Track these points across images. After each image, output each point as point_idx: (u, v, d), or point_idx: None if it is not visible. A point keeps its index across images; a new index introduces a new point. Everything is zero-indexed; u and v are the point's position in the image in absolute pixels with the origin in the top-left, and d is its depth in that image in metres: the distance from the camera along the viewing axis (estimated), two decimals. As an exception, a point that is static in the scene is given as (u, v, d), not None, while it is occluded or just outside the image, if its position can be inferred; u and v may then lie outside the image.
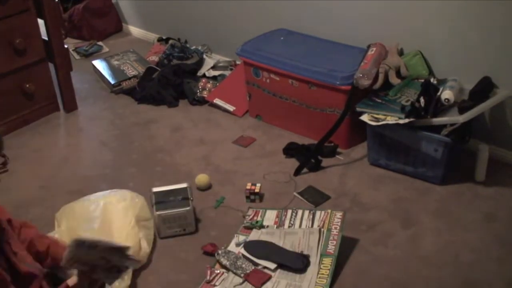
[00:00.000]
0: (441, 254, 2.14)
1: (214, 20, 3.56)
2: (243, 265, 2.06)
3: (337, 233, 2.11)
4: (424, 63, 2.67)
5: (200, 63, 3.44)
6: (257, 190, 2.43)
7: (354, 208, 2.40)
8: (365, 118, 2.51)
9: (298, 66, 2.73)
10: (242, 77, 3.04)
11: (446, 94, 2.43)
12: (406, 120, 2.39)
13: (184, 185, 2.31)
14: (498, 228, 2.26)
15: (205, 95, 3.23)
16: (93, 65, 3.66)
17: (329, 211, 2.22)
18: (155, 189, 2.31)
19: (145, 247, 2.12)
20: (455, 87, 2.48)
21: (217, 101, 3.16)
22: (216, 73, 3.41)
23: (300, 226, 2.22)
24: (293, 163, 2.67)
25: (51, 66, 3.14)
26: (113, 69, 3.56)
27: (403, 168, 2.56)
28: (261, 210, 2.36)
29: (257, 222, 2.28)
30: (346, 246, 2.16)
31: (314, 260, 2.04)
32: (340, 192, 2.50)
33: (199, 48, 3.57)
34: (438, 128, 2.40)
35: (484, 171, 2.49)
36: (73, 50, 3.95)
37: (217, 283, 2.03)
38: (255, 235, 2.22)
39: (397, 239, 2.22)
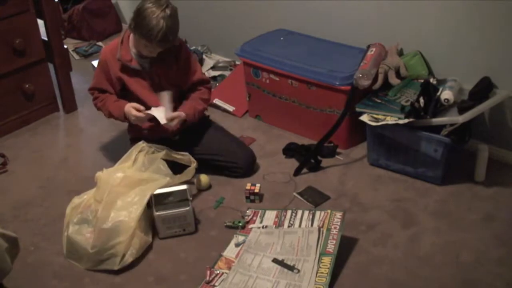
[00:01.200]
0: (441, 254, 2.14)
1: (213, 20, 3.56)
2: None
3: (336, 233, 2.11)
4: (423, 63, 2.67)
5: (199, 63, 3.44)
6: (256, 191, 2.43)
7: (354, 208, 2.40)
8: (364, 118, 2.51)
9: (297, 66, 2.73)
10: (242, 78, 3.04)
11: (446, 94, 2.43)
12: (406, 120, 2.39)
13: (183, 186, 2.31)
14: (497, 228, 2.26)
15: (205, 96, 3.23)
16: (93, 66, 3.66)
17: (329, 211, 2.23)
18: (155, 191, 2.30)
19: None
20: (455, 87, 2.48)
21: (216, 101, 3.16)
22: (216, 73, 3.41)
23: (299, 226, 2.22)
24: (293, 163, 2.67)
25: (50, 66, 3.15)
26: (112, 69, 3.55)
27: (403, 168, 2.56)
28: (260, 211, 2.37)
29: (239, 222, 2.30)
30: (346, 246, 2.16)
31: (313, 258, 2.04)
32: (340, 192, 2.50)
33: (199, 48, 3.57)
34: (437, 128, 2.40)
35: (483, 171, 2.49)
36: (72, 50, 3.95)
37: (216, 284, 2.03)
38: (254, 235, 2.22)
39: (397, 239, 2.22)
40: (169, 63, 2.50)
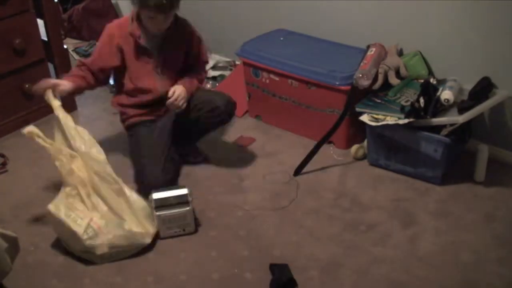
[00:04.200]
0: (441, 254, 2.14)
1: (213, 20, 3.56)
2: None
3: None
4: (423, 63, 2.67)
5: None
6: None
7: (354, 208, 2.40)
8: (364, 118, 2.52)
9: (297, 66, 2.73)
10: (242, 78, 3.04)
11: (446, 94, 2.43)
12: (406, 121, 2.39)
13: (184, 187, 2.30)
14: (497, 228, 2.26)
15: (205, 96, 3.22)
16: (93, 66, 3.65)
17: None
18: (155, 192, 2.30)
19: None
20: (455, 87, 2.48)
21: (216, 101, 3.15)
22: (216, 73, 3.41)
23: None
24: (293, 163, 2.67)
25: (50, 66, 3.15)
26: (112, 69, 3.55)
27: (403, 168, 2.56)
28: None
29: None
30: (346, 246, 2.17)
31: None
32: (340, 192, 2.50)
33: (199, 48, 3.57)
34: (437, 129, 2.40)
35: (483, 171, 2.49)
36: (72, 50, 3.94)
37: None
38: None
39: (397, 239, 2.22)
40: (180, 49, 2.50)
